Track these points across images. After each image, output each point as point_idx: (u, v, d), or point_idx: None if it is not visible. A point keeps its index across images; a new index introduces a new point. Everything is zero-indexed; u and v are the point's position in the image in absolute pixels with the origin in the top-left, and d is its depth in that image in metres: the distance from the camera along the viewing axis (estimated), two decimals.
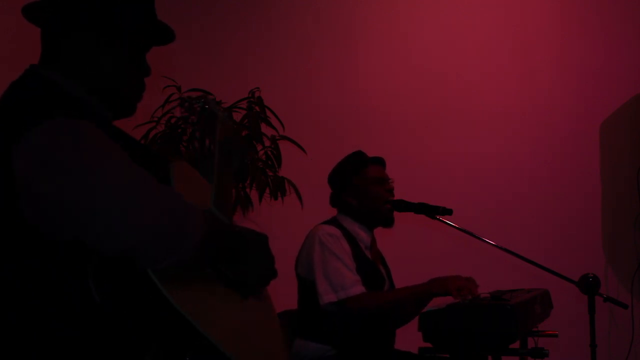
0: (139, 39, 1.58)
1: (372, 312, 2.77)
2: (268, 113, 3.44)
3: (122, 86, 1.56)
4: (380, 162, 3.04)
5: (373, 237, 3.03)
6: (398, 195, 3.00)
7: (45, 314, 1.36)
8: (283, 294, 2.62)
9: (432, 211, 2.89)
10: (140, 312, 1.34)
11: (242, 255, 1.49)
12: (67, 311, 1.36)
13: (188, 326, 1.31)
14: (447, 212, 2.85)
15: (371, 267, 2.93)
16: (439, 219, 2.89)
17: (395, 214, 3.00)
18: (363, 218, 2.96)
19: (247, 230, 1.55)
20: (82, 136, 1.33)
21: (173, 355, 1.36)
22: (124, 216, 1.26)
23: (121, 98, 1.57)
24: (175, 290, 1.32)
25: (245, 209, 3.37)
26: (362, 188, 2.96)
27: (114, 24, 1.52)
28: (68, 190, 1.26)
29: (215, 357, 1.35)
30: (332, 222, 2.96)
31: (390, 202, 2.95)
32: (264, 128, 3.42)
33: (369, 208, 2.95)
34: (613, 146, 4.29)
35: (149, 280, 1.30)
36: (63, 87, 1.49)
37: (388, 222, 2.99)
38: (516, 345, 2.47)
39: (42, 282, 1.36)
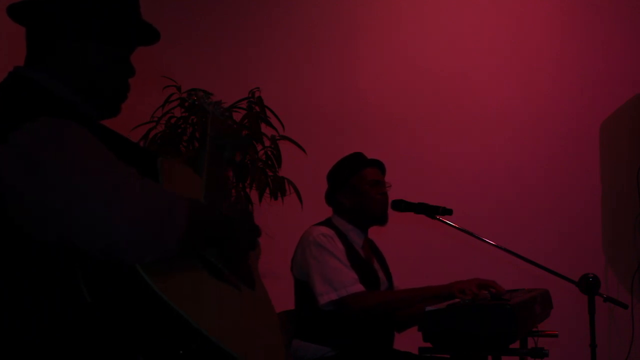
0: (123, 39, 1.58)
1: (372, 311, 2.77)
2: (268, 113, 3.44)
3: (106, 86, 1.56)
4: (378, 165, 3.04)
5: (366, 237, 3.02)
6: (398, 195, 3.00)
7: (37, 315, 1.36)
8: (283, 294, 2.63)
9: (432, 211, 2.89)
10: (132, 310, 1.34)
11: (228, 241, 1.49)
12: (58, 312, 1.36)
13: (182, 322, 1.31)
14: (447, 212, 2.85)
15: (366, 266, 2.93)
16: (439, 219, 2.89)
17: (396, 214, 3.00)
18: (355, 218, 2.97)
19: (233, 212, 1.56)
20: (65, 136, 1.34)
21: (166, 353, 1.35)
22: (106, 215, 1.26)
23: (105, 98, 1.57)
24: (167, 286, 1.32)
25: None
26: (356, 189, 2.96)
27: (98, 24, 1.52)
28: (51, 190, 1.27)
29: (207, 349, 1.35)
30: (326, 223, 2.96)
31: (382, 203, 2.94)
32: (264, 128, 3.41)
33: (361, 209, 2.95)
34: (613, 146, 4.29)
35: (140, 277, 1.30)
36: (47, 87, 1.49)
37: (382, 219, 2.98)
38: (516, 345, 2.47)
39: (33, 283, 1.36)
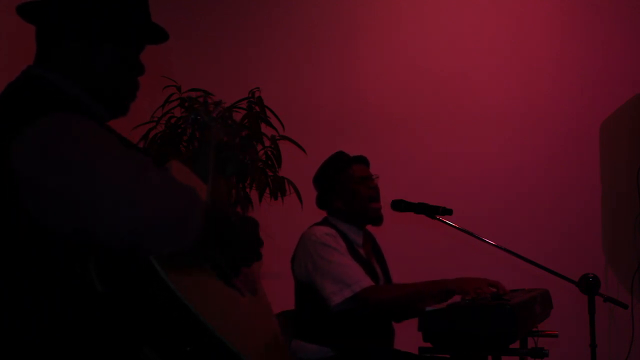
0: (133, 39, 1.58)
1: (387, 304, 2.76)
2: (268, 113, 3.44)
3: (115, 85, 1.56)
4: (362, 160, 3.03)
5: (364, 235, 3.02)
6: (398, 195, 3.00)
7: (37, 315, 1.36)
8: (282, 294, 2.62)
9: (432, 211, 2.89)
10: (141, 301, 1.34)
11: (231, 241, 1.49)
12: (58, 311, 1.36)
13: (190, 316, 1.32)
14: (447, 212, 2.85)
15: (366, 264, 2.92)
16: (439, 219, 2.89)
17: (396, 213, 2.99)
18: (351, 218, 2.96)
19: (236, 216, 1.57)
20: (80, 129, 1.35)
21: (172, 346, 1.36)
22: (125, 207, 1.26)
23: (115, 97, 1.57)
24: (179, 280, 1.33)
25: (245, 209, 3.37)
26: (346, 189, 2.95)
27: (98, 24, 1.52)
28: (70, 183, 1.27)
29: (214, 348, 1.35)
30: (325, 222, 2.95)
31: (374, 196, 2.94)
32: (264, 128, 3.41)
33: (355, 208, 2.94)
34: (613, 146, 4.29)
35: (151, 268, 1.30)
36: (59, 86, 1.49)
37: (376, 221, 2.97)
38: (516, 345, 2.47)
39: (33, 283, 1.36)
